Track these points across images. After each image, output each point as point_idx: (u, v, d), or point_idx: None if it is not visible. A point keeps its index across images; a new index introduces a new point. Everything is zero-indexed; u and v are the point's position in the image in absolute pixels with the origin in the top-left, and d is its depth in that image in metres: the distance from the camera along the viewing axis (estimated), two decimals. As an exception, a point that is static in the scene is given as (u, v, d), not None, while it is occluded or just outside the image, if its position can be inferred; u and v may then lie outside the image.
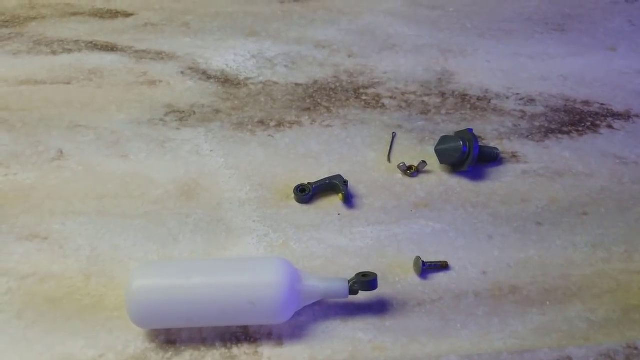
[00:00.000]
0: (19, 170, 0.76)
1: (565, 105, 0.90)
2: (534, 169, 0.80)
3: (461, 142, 0.75)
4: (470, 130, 0.78)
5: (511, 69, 0.95)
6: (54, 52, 0.93)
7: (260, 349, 0.60)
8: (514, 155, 0.81)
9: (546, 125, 0.86)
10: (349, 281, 0.61)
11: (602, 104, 0.90)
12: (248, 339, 0.61)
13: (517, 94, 0.91)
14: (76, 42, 0.95)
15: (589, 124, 0.87)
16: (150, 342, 0.60)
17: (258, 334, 0.61)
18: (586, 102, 0.90)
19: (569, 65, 0.96)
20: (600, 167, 0.80)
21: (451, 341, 0.61)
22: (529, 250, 0.70)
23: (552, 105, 0.89)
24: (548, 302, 0.65)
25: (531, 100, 0.90)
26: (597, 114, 0.88)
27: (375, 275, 0.62)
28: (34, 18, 1.00)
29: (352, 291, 0.61)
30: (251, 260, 0.63)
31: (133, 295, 0.57)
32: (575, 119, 0.87)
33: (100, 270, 0.66)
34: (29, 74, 0.90)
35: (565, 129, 0.86)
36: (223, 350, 0.60)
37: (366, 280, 0.61)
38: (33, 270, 0.66)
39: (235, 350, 0.60)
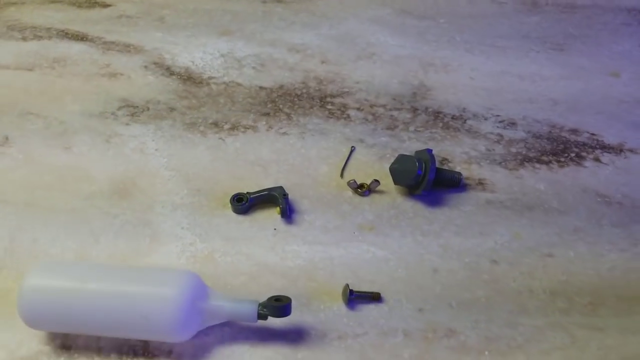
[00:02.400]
0: (-39, 154, 0.75)
1: (550, 132, 0.81)
2: (500, 199, 0.72)
3: (417, 164, 0.69)
4: (430, 151, 0.71)
5: (496, 88, 0.87)
6: (24, 38, 0.93)
7: (156, 367, 0.56)
8: (480, 183, 0.74)
9: (524, 152, 0.78)
10: (259, 304, 0.56)
11: (592, 134, 0.81)
12: (146, 354, 0.56)
13: (498, 115, 0.83)
14: (48, 29, 0.94)
15: (573, 155, 0.78)
16: (45, 345, 0.57)
17: (158, 350, 0.57)
18: (574, 131, 0.81)
19: (562, 88, 0.87)
20: (577, 205, 0.72)
21: (366, 384, 0.55)
22: (477, 290, 0.63)
23: (535, 130, 0.81)
24: (487, 352, 0.58)
25: (512, 124, 0.82)
26: (584, 144, 0.79)
27: (289, 300, 0.56)
28: (14, 3, 1.00)
29: (261, 316, 0.55)
30: (156, 271, 0.59)
31: (23, 295, 0.54)
32: (559, 148, 0.79)
33: (14, 264, 0.63)
34: (-4, 58, 0.89)
35: (544, 158, 0.77)
36: (117, 363, 0.56)
37: (277, 306, 0.55)
38: (-52, 257, 0.64)
39: (130, 365, 0.56)
